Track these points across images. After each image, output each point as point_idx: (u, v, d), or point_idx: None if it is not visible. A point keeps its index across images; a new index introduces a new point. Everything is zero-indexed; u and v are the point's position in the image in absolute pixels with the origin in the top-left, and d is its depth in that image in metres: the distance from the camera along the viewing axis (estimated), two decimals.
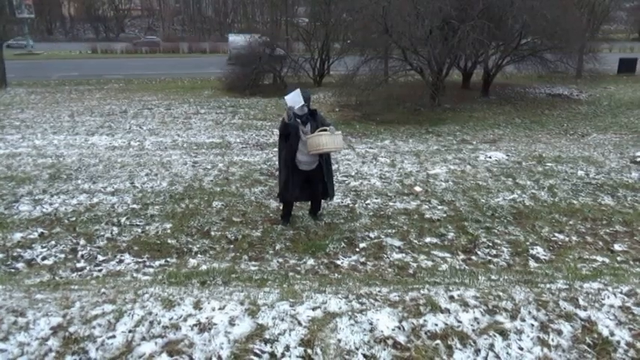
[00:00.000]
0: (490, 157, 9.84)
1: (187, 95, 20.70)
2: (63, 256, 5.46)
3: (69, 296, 3.47)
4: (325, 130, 5.70)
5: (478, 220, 6.39)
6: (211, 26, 70.67)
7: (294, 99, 5.70)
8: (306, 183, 6.06)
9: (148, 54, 46.70)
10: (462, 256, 5.41)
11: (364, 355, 2.70)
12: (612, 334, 2.86)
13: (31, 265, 5.24)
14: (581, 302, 3.20)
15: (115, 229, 6.19)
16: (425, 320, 3.00)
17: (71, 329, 2.91)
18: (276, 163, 9.43)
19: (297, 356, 2.69)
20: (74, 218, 6.55)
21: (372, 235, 5.95)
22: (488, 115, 15.84)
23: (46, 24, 71.53)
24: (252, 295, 3.42)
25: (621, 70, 27.67)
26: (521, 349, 2.75)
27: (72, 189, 7.87)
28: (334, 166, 9.05)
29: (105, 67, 32.68)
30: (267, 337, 2.85)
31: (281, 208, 6.38)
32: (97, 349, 2.74)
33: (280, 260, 5.33)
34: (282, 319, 3.02)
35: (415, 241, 5.78)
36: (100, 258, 5.41)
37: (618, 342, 2.80)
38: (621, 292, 3.37)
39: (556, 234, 5.98)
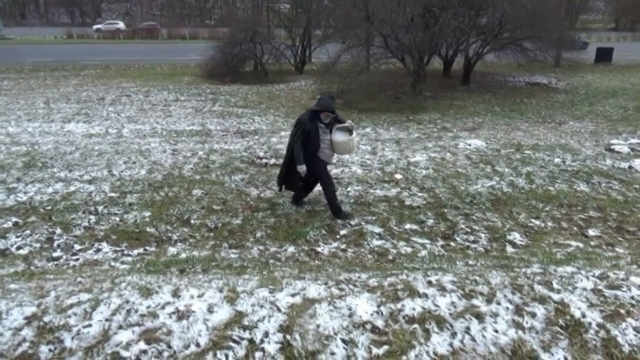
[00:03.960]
0: (470, 145, 9.94)
1: (166, 82, 20.35)
2: (38, 245, 5.36)
3: (44, 286, 3.41)
4: (347, 129, 5.96)
5: (457, 207, 6.46)
6: (191, 12, 69.33)
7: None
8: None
9: (125, 39, 45.60)
10: (440, 242, 5.48)
11: (343, 340, 2.72)
12: (584, 315, 2.94)
13: (5, 254, 5.13)
14: (555, 285, 3.27)
15: (93, 218, 6.09)
16: (403, 305, 3.03)
17: (46, 319, 2.86)
18: (257, 152, 9.37)
19: (276, 342, 2.70)
20: (50, 207, 6.43)
21: (352, 222, 5.98)
22: (469, 104, 15.97)
23: (19, 8, 69.29)
24: (231, 282, 3.41)
25: (598, 60, 28.13)
26: (496, 331, 2.80)
27: (47, 177, 7.70)
28: None
29: (81, 53, 31.87)
30: (246, 323, 2.84)
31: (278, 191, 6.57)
32: (72, 339, 2.70)
33: (261, 248, 5.32)
34: (262, 306, 3.02)
35: (395, 228, 5.83)
36: (77, 247, 5.33)
37: (590, 323, 2.87)
38: (594, 276, 3.45)
39: (532, 220, 6.09)
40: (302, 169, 5.92)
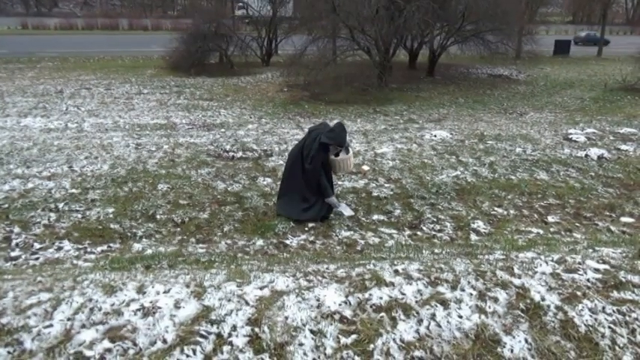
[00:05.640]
0: (435, 136, 10.11)
1: (129, 74, 19.83)
2: None
3: (1, 286, 3.27)
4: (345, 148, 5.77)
5: (423, 197, 6.58)
6: (153, 2, 67.48)
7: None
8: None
9: (83, 30, 44.14)
10: (407, 232, 5.57)
11: (311, 331, 2.74)
12: (543, 299, 3.04)
13: None
14: (516, 271, 3.38)
15: (53, 216, 5.89)
16: (370, 294, 3.07)
17: (3, 320, 2.75)
18: (224, 145, 9.28)
19: (245, 335, 2.69)
20: (7, 205, 6.17)
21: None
22: (434, 95, 16.24)
23: None
24: (198, 277, 3.37)
25: (557, 52, 29.09)
26: (460, 317, 2.87)
27: (3, 174, 7.38)
28: (283, 146, 9.02)
29: (37, 44, 30.60)
30: (214, 318, 2.82)
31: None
32: (32, 340, 2.62)
33: (229, 242, 5.28)
34: (229, 300, 2.99)
35: (363, 219, 5.88)
36: (37, 246, 5.15)
37: (548, 306, 2.98)
38: (552, 260, 3.58)
39: (495, 208, 6.26)
40: (333, 200, 5.83)
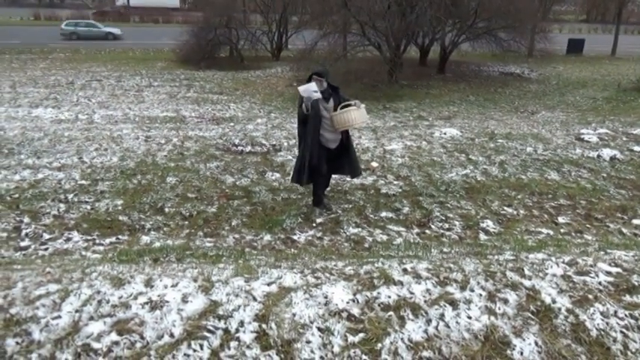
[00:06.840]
0: (445, 134, 10.03)
1: (139, 67, 19.89)
2: (5, 234, 5.19)
3: (10, 276, 3.29)
4: (350, 105, 5.46)
5: (432, 195, 6.53)
6: None
7: (308, 89, 5.41)
8: (329, 161, 5.73)
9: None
10: (416, 230, 5.53)
11: (319, 329, 2.72)
12: (554, 301, 3.00)
13: None
14: (526, 272, 3.34)
15: (62, 206, 5.92)
16: (378, 292, 3.04)
17: (12, 311, 2.77)
18: (233, 139, 9.26)
19: (252, 331, 2.68)
20: (17, 195, 6.22)
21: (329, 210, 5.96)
22: (444, 92, 16.12)
23: None
24: (206, 271, 3.36)
25: (570, 51, 28.75)
26: (469, 317, 2.84)
27: (14, 164, 7.44)
28: (292, 141, 8.99)
29: (49, 35, 30.77)
30: (221, 313, 2.81)
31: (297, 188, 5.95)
32: (40, 330, 2.63)
33: (236, 236, 5.27)
34: (237, 295, 2.99)
35: (371, 216, 5.85)
36: (46, 236, 5.18)
37: (559, 309, 2.94)
38: (563, 262, 3.53)
39: (505, 208, 6.20)
40: (308, 104, 5.35)
